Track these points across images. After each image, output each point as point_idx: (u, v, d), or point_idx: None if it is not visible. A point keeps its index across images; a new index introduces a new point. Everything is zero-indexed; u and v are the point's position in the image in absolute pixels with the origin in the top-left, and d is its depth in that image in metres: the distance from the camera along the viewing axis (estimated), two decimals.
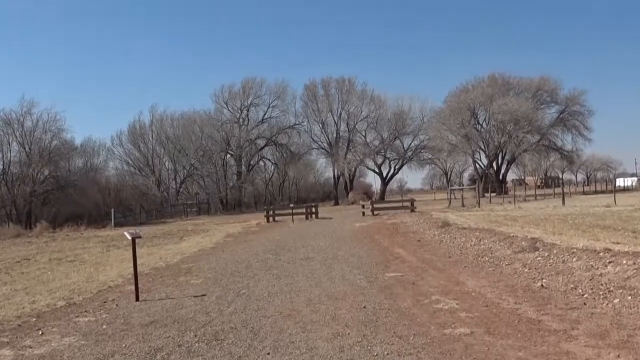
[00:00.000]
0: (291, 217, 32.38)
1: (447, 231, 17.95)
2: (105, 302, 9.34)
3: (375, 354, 5.51)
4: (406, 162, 68.02)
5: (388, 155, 67.55)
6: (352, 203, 55.83)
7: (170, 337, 6.60)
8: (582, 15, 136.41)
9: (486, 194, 46.84)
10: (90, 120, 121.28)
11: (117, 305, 9.01)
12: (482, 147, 64.68)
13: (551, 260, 10.17)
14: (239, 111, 63.81)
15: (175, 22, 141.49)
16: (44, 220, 37.01)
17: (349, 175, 66.99)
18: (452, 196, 47.93)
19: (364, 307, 7.69)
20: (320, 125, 66.69)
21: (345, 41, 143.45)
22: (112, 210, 39.61)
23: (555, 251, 10.76)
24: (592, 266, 8.98)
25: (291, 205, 39.99)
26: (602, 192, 61.03)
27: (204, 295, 9.40)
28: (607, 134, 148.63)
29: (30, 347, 6.55)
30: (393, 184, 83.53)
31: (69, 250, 20.26)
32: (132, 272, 9.85)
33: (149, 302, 9.04)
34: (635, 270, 8.12)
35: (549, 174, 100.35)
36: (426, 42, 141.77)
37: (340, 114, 66.04)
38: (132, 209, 50.40)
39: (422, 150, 67.93)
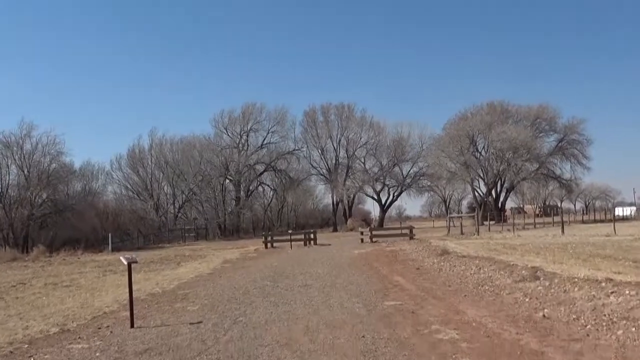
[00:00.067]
0: (289, 243, 32.19)
1: (447, 259, 17.82)
2: (99, 328, 9.19)
3: None
4: (405, 189, 68.01)
5: (387, 182, 67.55)
6: (351, 230, 55.65)
7: None
8: (581, 44, 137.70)
9: (485, 222, 46.69)
10: (90, 144, 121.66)
11: (111, 332, 8.86)
12: (481, 174, 64.67)
13: (552, 290, 10.04)
14: (239, 136, 63.96)
15: (175, 47, 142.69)
16: (41, 244, 36.71)
17: (348, 201, 66.93)
18: (451, 224, 47.82)
19: (363, 336, 7.56)
20: (320, 152, 66.88)
21: (345, 67, 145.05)
22: (110, 234, 39.37)
23: (556, 280, 10.64)
24: (595, 296, 8.86)
25: (290, 231, 39.84)
26: (601, 221, 60.91)
27: (200, 322, 9.26)
28: (606, 163, 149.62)
29: None
30: (392, 211, 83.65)
31: (65, 275, 20.05)
32: (128, 297, 9.71)
33: (144, 329, 8.89)
34: (638, 301, 8.01)
35: (547, 203, 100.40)
36: (426, 70, 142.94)
37: (340, 140, 66.29)
38: (130, 233, 50.04)
39: (421, 178, 67.93)
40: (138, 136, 78.97)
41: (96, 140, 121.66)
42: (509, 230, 39.91)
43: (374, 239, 32.99)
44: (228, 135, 64.42)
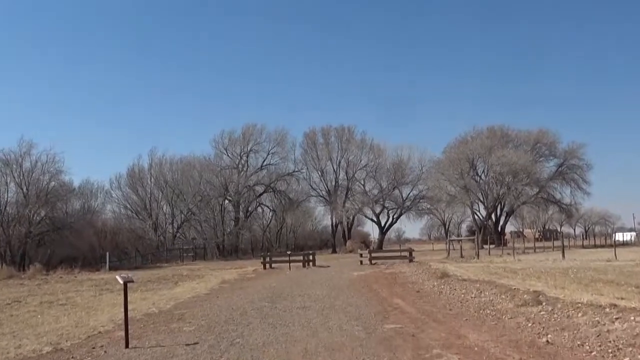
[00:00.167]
0: (288, 264, 31.98)
1: (447, 282, 17.66)
2: (93, 348, 9.02)
3: None
4: (404, 212, 67.84)
5: (386, 205, 67.41)
6: (350, 251, 55.38)
7: None
8: (581, 69, 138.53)
9: (485, 246, 46.47)
10: (89, 162, 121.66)
11: (105, 352, 8.69)
12: (481, 198, 64.53)
13: (555, 315, 9.88)
14: (239, 157, 63.93)
15: (175, 67, 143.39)
16: (38, 262, 36.49)
17: (347, 223, 66.71)
18: (451, 247, 47.60)
19: (363, 359, 7.40)
20: (320, 173, 66.85)
21: (345, 90, 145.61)
22: (108, 253, 39.13)
23: (559, 305, 10.48)
24: (599, 322, 8.70)
25: (288, 252, 39.54)
26: (601, 246, 60.72)
27: (196, 343, 9.08)
28: (606, 189, 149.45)
29: None
30: (391, 234, 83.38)
31: (61, 293, 19.87)
32: (123, 317, 9.55)
33: (139, 350, 8.71)
34: None
35: (547, 227, 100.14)
36: (426, 94, 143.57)
37: (340, 162, 66.31)
38: (128, 252, 49.74)
39: (421, 200, 67.77)
40: (138, 155, 78.84)
41: (96, 159, 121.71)
42: (509, 254, 39.68)
43: (373, 261, 32.78)
44: (228, 155, 64.50)
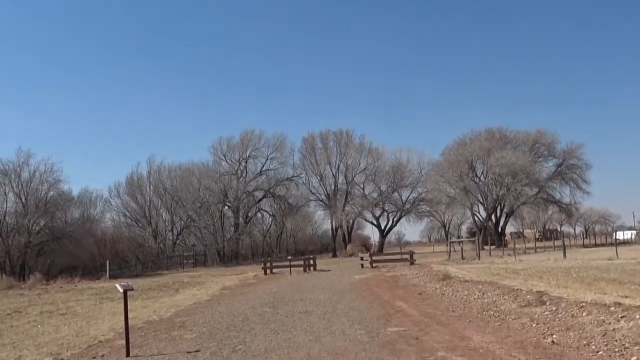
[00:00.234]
0: (289, 269, 31.87)
1: (449, 284, 17.57)
2: (94, 357, 8.93)
3: None
4: (404, 215, 67.75)
5: (386, 208, 67.33)
6: (351, 255, 55.28)
7: None
8: (581, 69, 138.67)
9: (486, 247, 46.42)
10: (88, 171, 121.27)
11: None
12: (481, 199, 64.55)
13: (560, 315, 9.80)
14: (237, 163, 63.90)
15: (173, 74, 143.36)
16: (38, 271, 36.38)
17: (347, 227, 66.68)
18: (452, 249, 47.50)
19: None
20: (319, 178, 66.90)
21: (343, 94, 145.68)
22: (108, 262, 39.00)
23: (563, 305, 10.40)
24: (604, 321, 8.62)
25: (289, 257, 39.51)
26: (602, 245, 60.78)
27: (197, 351, 8.99)
28: (605, 188, 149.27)
29: None
30: (391, 236, 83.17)
31: (62, 303, 19.76)
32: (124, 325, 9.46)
33: (140, 358, 8.63)
34: None
35: (547, 227, 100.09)
36: (423, 96, 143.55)
37: (338, 167, 66.34)
38: (128, 260, 49.63)
39: (421, 203, 67.73)
40: (136, 163, 79.03)
41: (94, 168, 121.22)
42: (509, 254, 39.62)
43: (374, 265, 32.68)
44: (227, 162, 64.48)
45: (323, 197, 67.07)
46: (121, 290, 9.41)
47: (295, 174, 66.45)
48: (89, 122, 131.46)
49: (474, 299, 13.62)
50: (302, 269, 32.84)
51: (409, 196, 67.12)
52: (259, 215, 66.94)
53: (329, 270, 32.30)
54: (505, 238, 71.48)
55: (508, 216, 71.45)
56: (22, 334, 12.32)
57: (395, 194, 66.71)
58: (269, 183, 63.46)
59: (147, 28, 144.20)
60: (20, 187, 46.26)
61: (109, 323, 13.05)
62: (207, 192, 59.27)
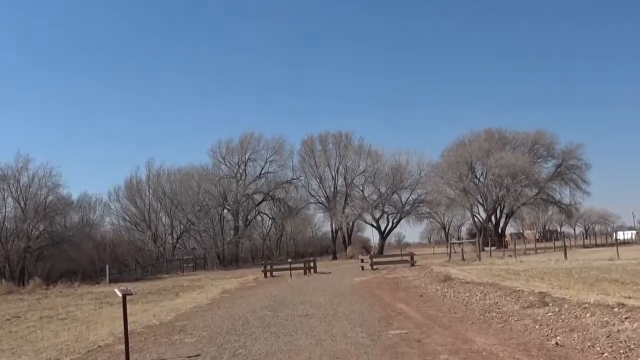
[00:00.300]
0: (289, 272, 31.78)
1: (450, 285, 17.49)
2: None
3: None
4: (404, 216, 67.59)
5: (386, 210, 67.17)
6: (351, 257, 55.17)
7: None
8: (581, 69, 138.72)
9: (486, 248, 46.33)
10: (87, 175, 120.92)
11: None
12: (481, 200, 64.51)
13: (563, 316, 9.72)
14: (237, 166, 63.75)
15: (172, 77, 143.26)
16: (37, 276, 36.26)
17: (347, 229, 66.54)
18: (452, 250, 47.41)
19: None
20: (318, 180, 66.70)
21: (342, 96, 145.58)
22: (107, 266, 38.95)
23: (566, 306, 10.32)
24: (608, 322, 8.54)
25: (289, 260, 39.38)
26: (602, 245, 60.73)
27: (198, 355, 8.91)
28: (605, 188, 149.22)
29: None
30: (391, 238, 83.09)
31: (61, 308, 19.68)
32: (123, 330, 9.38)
33: None
34: None
35: (547, 228, 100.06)
36: (422, 98, 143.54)
37: (338, 169, 66.19)
38: (128, 264, 49.62)
39: (420, 204, 67.57)
40: (135, 167, 78.70)
41: (93, 172, 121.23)
42: (510, 255, 39.52)
43: (374, 267, 32.57)
44: (226, 165, 64.32)
45: (323, 199, 66.96)
46: (120, 295, 9.32)
47: (295, 177, 66.33)
48: (87, 126, 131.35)
49: (476, 300, 13.55)
50: (302, 271, 32.77)
51: (408, 198, 67.02)
52: (258, 218, 66.87)
53: (330, 273, 32.22)
54: (506, 239, 71.42)
55: (508, 217, 71.43)
56: (21, 339, 12.24)
57: (395, 196, 66.57)
58: (269, 186, 63.36)
59: (147, 28, 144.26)
60: (19, 192, 46.21)
61: (109, 328, 12.96)
62: (207, 196, 59.17)
